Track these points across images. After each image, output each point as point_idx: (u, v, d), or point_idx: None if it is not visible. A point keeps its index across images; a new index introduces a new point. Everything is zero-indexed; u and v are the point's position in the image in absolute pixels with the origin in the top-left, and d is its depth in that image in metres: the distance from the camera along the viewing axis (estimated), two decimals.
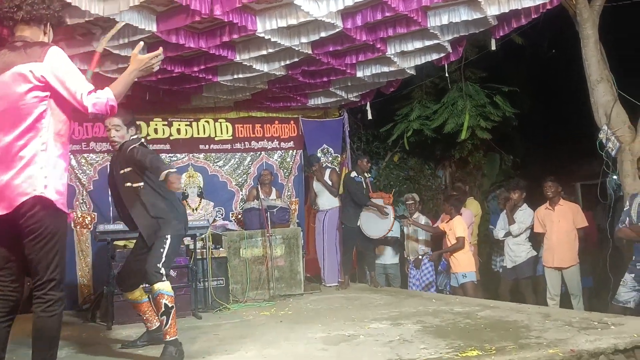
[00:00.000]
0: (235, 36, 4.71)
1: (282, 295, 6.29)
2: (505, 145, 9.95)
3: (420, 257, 6.93)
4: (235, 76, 5.71)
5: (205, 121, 7.31)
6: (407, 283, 7.11)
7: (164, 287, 3.52)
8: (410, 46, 5.46)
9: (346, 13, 4.65)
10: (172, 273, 5.36)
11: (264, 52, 5.15)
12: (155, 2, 4.15)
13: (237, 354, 3.53)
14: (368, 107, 7.46)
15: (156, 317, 3.83)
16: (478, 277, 6.39)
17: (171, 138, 7.08)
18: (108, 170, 4.09)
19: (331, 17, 4.52)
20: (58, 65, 2.49)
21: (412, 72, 6.33)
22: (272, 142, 7.66)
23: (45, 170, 2.44)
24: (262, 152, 7.61)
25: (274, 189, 7.21)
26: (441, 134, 8.65)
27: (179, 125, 7.15)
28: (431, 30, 5.10)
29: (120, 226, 4.89)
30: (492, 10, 4.75)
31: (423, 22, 4.83)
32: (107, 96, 2.53)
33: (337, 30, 4.76)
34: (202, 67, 5.37)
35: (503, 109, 8.31)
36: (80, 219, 6.57)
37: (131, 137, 3.76)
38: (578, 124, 7.41)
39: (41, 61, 2.46)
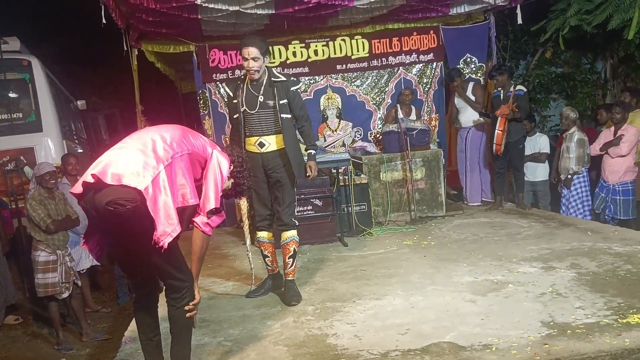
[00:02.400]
0: None
1: (423, 217, 6.34)
2: None
3: (569, 176, 6.44)
4: None
5: (341, 39, 7.15)
6: (557, 202, 6.71)
7: (295, 233, 3.93)
8: None
9: None
10: (318, 202, 5.65)
11: None
12: None
13: (385, 300, 3.68)
14: (518, 11, 6.72)
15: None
16: (638, 199, 5.85)
17: (309, 60, 7.07)
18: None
19: None
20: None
21: None
22: (410, 56, 7.29)
23: None
24: (400, 68, 7.31)
25: (413, 108, 7.00)
26: (603, 30, 7.59)
27: (316, 46, 7.09)
28: None
29: None
30: None
31: None
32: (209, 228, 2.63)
33: None
34: None
35: None
36: None
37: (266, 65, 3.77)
38: None
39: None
